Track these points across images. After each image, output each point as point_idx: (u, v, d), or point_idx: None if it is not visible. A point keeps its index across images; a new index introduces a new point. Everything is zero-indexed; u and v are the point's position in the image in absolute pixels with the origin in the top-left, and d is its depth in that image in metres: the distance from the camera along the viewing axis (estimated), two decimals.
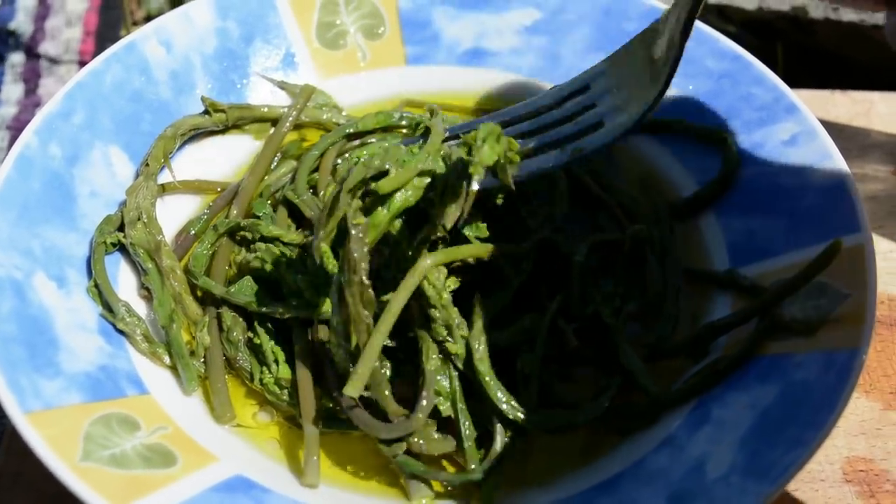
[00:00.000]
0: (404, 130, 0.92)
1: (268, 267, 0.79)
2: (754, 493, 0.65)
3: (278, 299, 0.78)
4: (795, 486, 0.75)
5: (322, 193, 0.85)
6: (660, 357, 0.77)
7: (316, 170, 0.87)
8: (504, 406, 0.72)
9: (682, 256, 0.83)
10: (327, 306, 0.74)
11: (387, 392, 0.71)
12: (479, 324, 0.74)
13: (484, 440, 0.73)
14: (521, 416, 0.72)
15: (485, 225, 0.78)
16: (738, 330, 0.76)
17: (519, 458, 0.73)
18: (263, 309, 0.78)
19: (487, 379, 0.72)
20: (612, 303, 0.79)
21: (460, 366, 0.73)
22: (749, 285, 0.79)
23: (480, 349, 0.73)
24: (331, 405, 0.74)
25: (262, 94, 0.94)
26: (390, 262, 0.75)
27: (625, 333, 0.77)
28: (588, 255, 0.80)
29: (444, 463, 0.73)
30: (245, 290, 0.79)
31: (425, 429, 0.71)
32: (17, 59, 1.15)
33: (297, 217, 0.84)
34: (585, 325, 0.78)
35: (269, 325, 0.78)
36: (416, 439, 0.71)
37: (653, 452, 0.72)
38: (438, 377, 0.73)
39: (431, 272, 0.73)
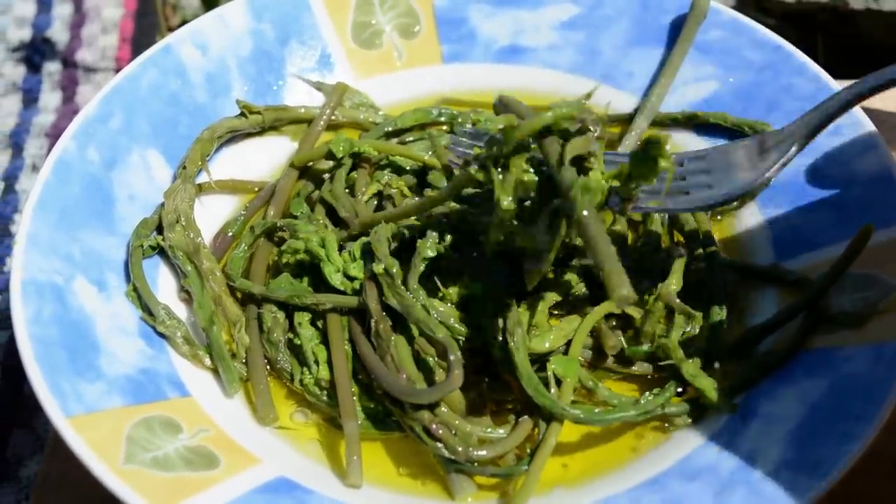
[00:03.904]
0: (444, 127, 0.91)
1: (313, 246, 0.79)
2: (804, 488, 0.64)
3: (316, 292, 0.78)
4: (845, 481, 0.73)
5: (360, 195, 0.84)
6: (712, 362, 0.75)
7: (353, 169, 0.87)
8: (542, 399, 0.72)
9: (727, 251, 0.82)
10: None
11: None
12: (514, 316, 0.74)
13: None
14: (559, 409, 0.72)
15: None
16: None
17: (562, 457, 0.73)
18: (304, 301, 0.77)
19: (523, 370, 0.72)
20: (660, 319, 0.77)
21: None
22: (793, 279, 0.78)
23: (517, 339, 0.73)
24: (371, 405, 0.74)
25: (299, 96, 0.93)
26: None
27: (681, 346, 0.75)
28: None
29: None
30: (283, 286, 0.79)
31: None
32: (54, 67, 1.15)
33: (334, 217, 0.84)
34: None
35: (310, 324, 0.78)
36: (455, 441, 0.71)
37: (700, 448, 0.71)
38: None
39: None
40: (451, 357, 0.71)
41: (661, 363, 0.75)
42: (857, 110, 0.83)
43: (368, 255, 0.77)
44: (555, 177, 0.69)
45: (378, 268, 0.75)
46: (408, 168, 0.87)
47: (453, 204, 0.80)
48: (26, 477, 0.83)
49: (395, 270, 0.75)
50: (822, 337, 0.73)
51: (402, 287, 0.75)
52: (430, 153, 0.87)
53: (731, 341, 0.77)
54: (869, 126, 0.82)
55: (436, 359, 0.74)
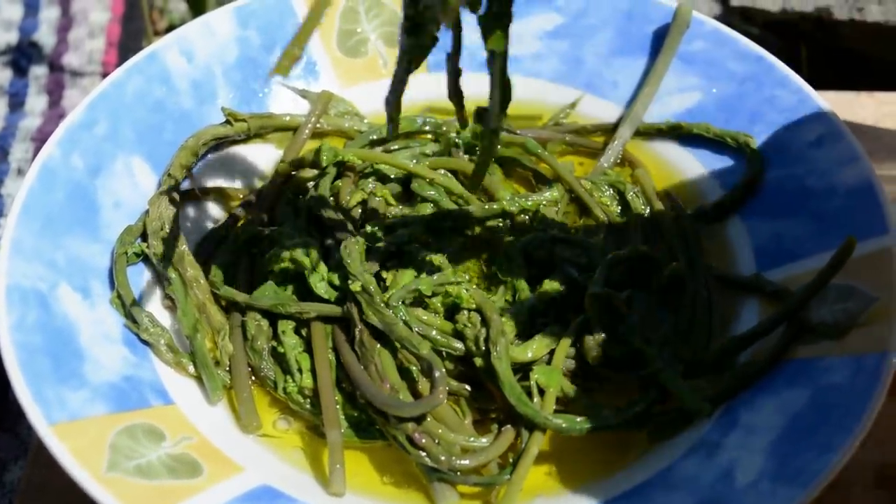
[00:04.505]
0: (429, 136, 0.92)
1: (298, 255, 0.79)
2: (784, 500, 0.64)
3: (301, 301, 0.78)
4: (826, 493, 0.74)
5: (347, 201, 0.85)
6: (696, 374, 0.75)
7: (338, 177, 0.87)
8: (525, 409, 0.72)
9: (709, 261, 0.82)
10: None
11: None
12: (497, 325, 0.74)
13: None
14: (541, 418, 0.72)
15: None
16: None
17: (545, 466, 0.73)
18: (289, 309, 0.78)
19: (506, 380, 0.73)
20: (641, 331, 0.77)
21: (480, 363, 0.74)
22: (774, 290, 0.78)
23: (500, 349, 0.73)
24: (354, 413, 0.74)
25: (284, 103, 0.93)
26: None
27: (661, 356, 0.75)
28: (608, 275, 0.79)
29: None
30: (267, 294, 0.79)
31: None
32: (40, 71, 1.15)
33: (319, 224, 0.84)
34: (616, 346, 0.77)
35: (294, 332, 0.78)
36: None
37: (681, 459, 0.71)
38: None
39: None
40: (436, 374, 0.71)
41: (642, 372, 0.75)
42: (837, 121, 0.83)
43: (343, 268, 0.77)
44: None
45: (355, 286, 0.76)
46: (392, 176, 0.87)
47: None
48: (10, 482, 0.83)
49: (372, 288, 0.75)
50: (803, 347, 0.73)
51: (383, 305, 0.75)
52: (414, 161, 0.87)
53: (712, 351, 0.77)
54: (850, 137, 0.82)
55: (419, 368, 0.74)
